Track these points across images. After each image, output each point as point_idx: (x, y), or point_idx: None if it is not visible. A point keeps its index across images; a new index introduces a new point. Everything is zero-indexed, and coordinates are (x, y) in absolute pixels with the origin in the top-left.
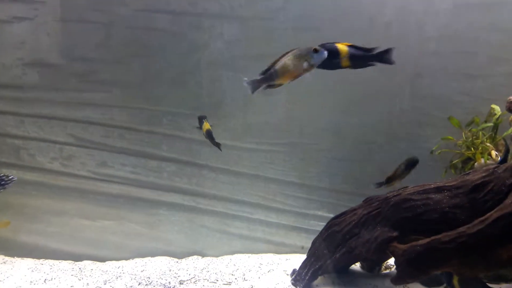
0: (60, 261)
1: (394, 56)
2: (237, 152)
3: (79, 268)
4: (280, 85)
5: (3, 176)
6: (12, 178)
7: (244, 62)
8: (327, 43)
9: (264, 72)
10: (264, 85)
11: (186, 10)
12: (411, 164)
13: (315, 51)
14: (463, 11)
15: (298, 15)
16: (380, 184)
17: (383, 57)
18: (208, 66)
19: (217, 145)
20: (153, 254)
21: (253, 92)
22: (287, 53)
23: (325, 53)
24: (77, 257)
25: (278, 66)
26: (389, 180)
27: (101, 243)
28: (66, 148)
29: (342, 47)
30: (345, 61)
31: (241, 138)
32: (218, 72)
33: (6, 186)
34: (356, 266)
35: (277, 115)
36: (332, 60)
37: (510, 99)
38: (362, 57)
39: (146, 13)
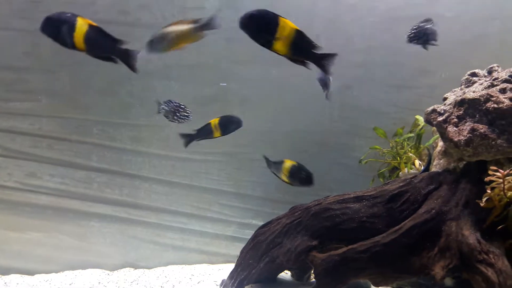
0: None
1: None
2: (170, 162)
3: (5, 283)
4: None
5: (182, 106)
6: (189, 114)
7: (177, 71)
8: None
9: None
10: None
11: (116, 19)
12: None
13: None
14: (390, 24)
15: (230, 26)
16: None
17: (323, 62)
18: (139, 75)
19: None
20: (84, 267)
21: None
22: None
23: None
24: (4, 271)
25: None
26: None
27: (30, 256)
28: None
29: (288, 24)
30: (282, 45)
31: (175, 148)
32: (150, 82)
33: (181, 120)
34: (287, 274)
35: None
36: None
37: (427, 110)
38: (306, 50)
39: None
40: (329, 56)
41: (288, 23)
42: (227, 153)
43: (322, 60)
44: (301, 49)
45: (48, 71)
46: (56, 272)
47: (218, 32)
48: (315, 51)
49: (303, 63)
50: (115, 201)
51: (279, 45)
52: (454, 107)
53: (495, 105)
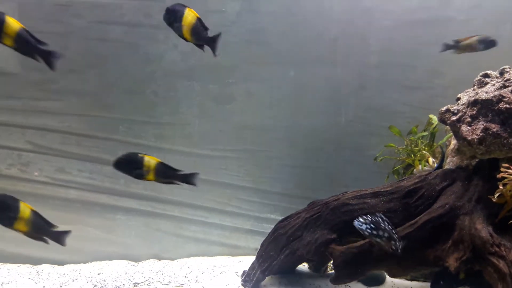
0: (18, 265)
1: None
2: (193, 158)
3: (37, 272)
4: None
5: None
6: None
7: (199, 72)
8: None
9: None
10: None
11: (141, 22)
12: None
13: None
14: (404, 27)
15: (250, 29)
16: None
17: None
18: (163, 76)
19: None
20: (110, 258)
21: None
22: None
23: None
24: (36, 261)
25: None
26: None
27: (59, 247)
28: (24, 155)
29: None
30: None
31: (197, 145)
32: (173, 82)
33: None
34: (304, 266)
35: (231, 124)
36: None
37: (441, 110)
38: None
39: (100, 25)
40: (216, 37)
41: (192, 12)
42: (246, 150)
43: (212, 42)
44: (199, 34)
45: (76, 72)
46: (84, 262)
47: (238, 34)
48: (208, 35)
49: (200, 46)
50: (140, 196)
51: (184, 32)
52: (467, 107)
53: (507, 105)
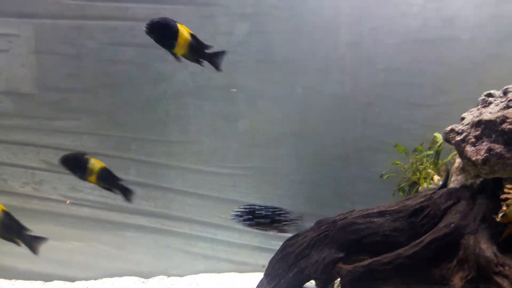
0: (31, 281)
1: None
2: (201, 175)
3: None
4: None
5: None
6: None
7: (208, 92)
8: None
9: None
10: None
11: (152, 43)
12: None
13: None
14: (409, 46)
15: (259, 49)
16: None
17: (214, 59)
18: (174, 95)
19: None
20: (120, 274)
21: None
22: None
23: None
24: (47, 277)
25: None
26: None
27: (71, 264)
28: (38, 173)
29: (184, 30)
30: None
31: (206, 162)
32: (183, 101)
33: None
34: (312, 284)
35: (239, 141)
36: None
37: (446, 130)
38: (199, 51)
39: (113, 46)
40: (219, 54)
41: (185, 29)
42: (254, 167)
43: (214, 58)
44: (197, 50)
45: (89, 92)
46: (95, 279)
47: (248, 54)
48: (207, 51)
49: (198, 62)
50: (150, 213)
51: (179, 47)
52: (471, 127)
53: (511, 126)
